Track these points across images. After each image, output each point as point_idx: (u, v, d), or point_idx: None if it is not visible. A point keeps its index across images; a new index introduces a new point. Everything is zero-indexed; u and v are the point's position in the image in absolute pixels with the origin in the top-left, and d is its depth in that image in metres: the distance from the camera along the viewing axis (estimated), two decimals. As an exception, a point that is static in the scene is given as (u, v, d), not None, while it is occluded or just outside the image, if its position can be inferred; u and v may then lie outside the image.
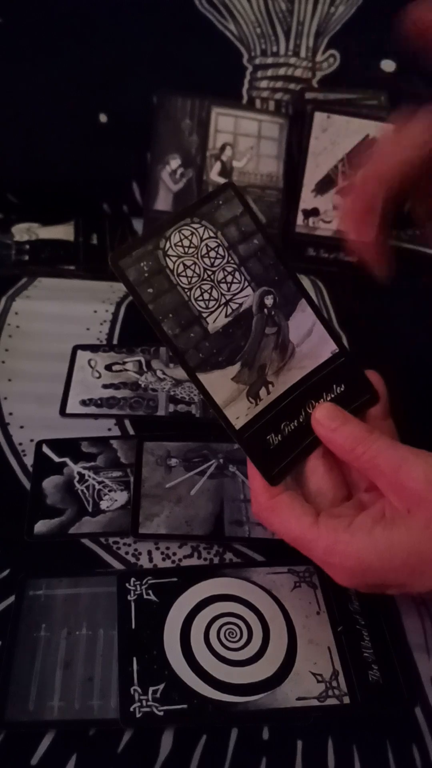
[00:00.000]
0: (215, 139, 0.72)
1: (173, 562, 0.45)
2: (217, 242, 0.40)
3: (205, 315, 0.39)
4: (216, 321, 0.39)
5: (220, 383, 0.39)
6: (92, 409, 0.55)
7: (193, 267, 0.39)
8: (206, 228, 0.39)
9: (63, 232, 0.77)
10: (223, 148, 0.72)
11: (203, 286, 0.39)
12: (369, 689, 0.39)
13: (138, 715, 0.37)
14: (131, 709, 0.37)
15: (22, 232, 0.75)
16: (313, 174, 0.70)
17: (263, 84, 0.73)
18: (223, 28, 0.71)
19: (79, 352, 0.61)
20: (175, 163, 0.73)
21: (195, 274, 0.39)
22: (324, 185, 0.70)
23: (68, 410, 0.55)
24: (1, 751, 0.36)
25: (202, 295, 0.39)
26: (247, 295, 0.40)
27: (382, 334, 0.65)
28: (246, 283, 0.40)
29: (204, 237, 0.39)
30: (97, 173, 0.77)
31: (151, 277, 0.38)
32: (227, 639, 0.41)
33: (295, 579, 0.44)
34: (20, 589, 0.43)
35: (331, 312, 0.69)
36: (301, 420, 0.41)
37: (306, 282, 0.73)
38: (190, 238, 0.39)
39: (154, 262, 0.38)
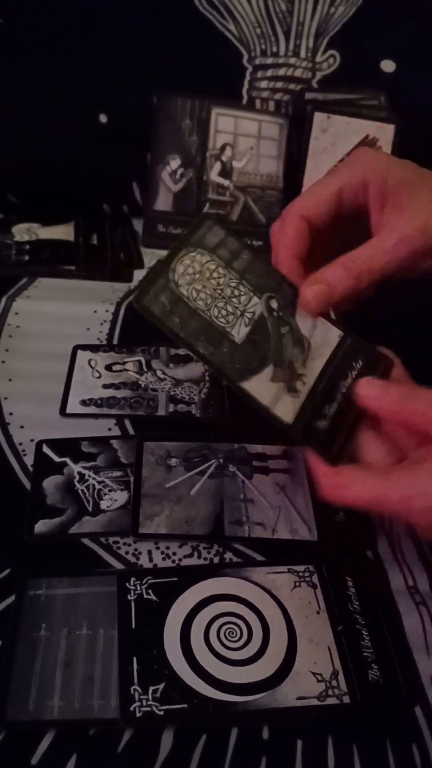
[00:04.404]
0: (215, 140, 0.72)
1: (173, 561, 0.45)
2: (215, 263, 0.43)
3: (228, 329, 0.42)
4: (240, 332, 0.43)
5: (262, 387, 0.42)
6: (92, 409, 0.55)
7: (204, 290, 0.42)
8: (201, 253, 0.43)
9: (63, 232, 0.77)
10: (223, 148, 0.72)
11: (218, 305, 0.42)
12: (369, 689, 0.39)
13: (138, 715, 0.37)
14: (131, 709, 0.37)
15: (23, 232, 0.75)
16: (312, 174, 0.70)
17: (263, 84, 0.73)
18: (223, 28, 0.71)
19: (80, 352, 0.61)
20: (175, 163, 0.73)
21: (208, 296, 0.42)
22: (324, 185, 0.70)
23: (68, 410, 0.55)
24: (1, 750, 0.36)
25: (220, 312, 0.42)
26: (255, 303, 0.43)
27: (382, 334, 0.65)
28: (251, 293, 0.43)
29: (203, 262, 0.43)
30: (97, 173, 0.77)
31: (173, 308, 0.41)
32: (227, 638, 0.41)
33: (294, 579, 0.44)
34: (20, 588, 0.43)
35: (330, 312, 0.69)
36: (339, 400, 0.44)
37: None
38: (192, 265, 0.42)
39: (170, 294, 0.41)
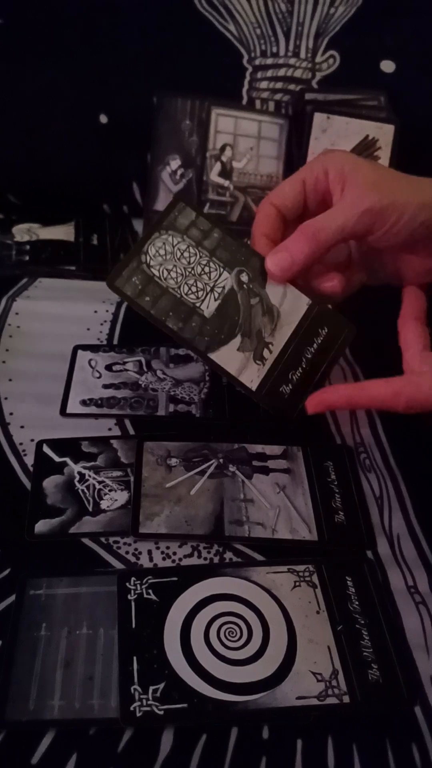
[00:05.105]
0: (215, 140, 0.72)
1: (173, 561, 0.45)
2: (186, 244, 0.47)
3: (198, 305, 0.47)
4: (209, 307, 0.47)
5: (229, 356, 0.47)
6: (92, 409, 0.55)
7: (174, 269, 0.47)
8: (173, 235, 0.47)
9: (63, 232, 0.77)
10: (223, 148, 0.72)
11: (188, 282, 0.47)
12: (369, 688, 0.39)
13: (138, 715, 0.37)
14: (131, 709, 0.37)
15: (23, 232, 0.76)
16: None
17: (263, 85, 0.73)
18: (223, 28, 0.71)
19: (80, 352, 0.61)
20: (175, 163, 0.73)
21: (178, 274, 0.47)
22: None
23: (68, 410, 0.55)
24: (2, 750, 0.36)
25: (190, 289, 0.46)
26: (225, 278, 0.48)
27: (382, 335, 0.65)
28: (221, 269, 0.48)
29: (174, 243, 0.47)
30: (97, 174, 0.77)
31: (144, 287, 0.46)
32: (227, 638, 0.41)
33: (294, 578, 0.44)
34: (21, 588, 0.43)
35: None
36: (304, 365, 0.49)
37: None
38: (163, 247, 0.47)
39: (142, 275, 0.46)
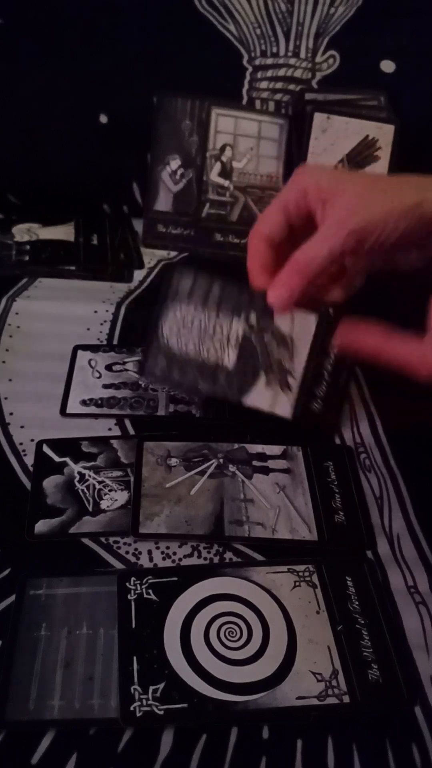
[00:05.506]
0: (215, 140, 0.72)
1: (173, 561, 0.45)
2: (192, 310, 0.49)
3: (220, 362, 0.49)
4: (230, 358, 0.49)
5: (260, 395, 0.49)
6: (92, 409, 0.55)
7: (188, 337, 0.49)
8: (179, 306, 0.49)
9: (63, 232, 0.77)
10: (223, 148, 0.72)
11: (205, 345, 0.49)
12: (369, 688, 0.39)
13: (138, 714, 0.37)
14: (131, 708, 0.37)
15: (23, 232, 0.76)
16: (313, 174, 0.70)
17: (263, 85, 0.73)
18: (223, 28, 0.71)
19: (80, 352, 0.61)
20: (175, 163, 0.73)
21: (193, 341, 0.49)
22: (324, 186, 0.70)
23: (68, 410, 0.55)
24: (2, 750, 0.36)
25: (208, 351, 0.49)
26: (236, 327, 0.49)
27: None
28: (230, 319, 0.49)
29: (182, 314, 0.49)
30: (97, 174, 0.77)
31: (170, 363, 0.49)
32: (227, 638, 0.41)
33: (294, 578, 0.44)
34: (21, 588, 0.43)
35: (330, 312, 0.69)
36: (327, 378, 0.53)
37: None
38: (174, 320, 0.49)
39: (165, 351, 0.49)
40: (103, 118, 0.74)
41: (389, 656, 0.40)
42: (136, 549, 0.46)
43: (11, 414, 0.55)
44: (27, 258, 0.72)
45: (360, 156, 0.69)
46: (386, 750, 0.37)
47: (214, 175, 0.73)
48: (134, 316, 0.66)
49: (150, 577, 0.43)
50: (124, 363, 0.60)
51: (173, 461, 0.51)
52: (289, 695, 0.38)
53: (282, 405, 0.50)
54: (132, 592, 0.43)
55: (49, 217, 0.78)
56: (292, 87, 0.73)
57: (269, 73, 0.73)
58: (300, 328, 0.50)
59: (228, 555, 0.46)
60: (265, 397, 0.50)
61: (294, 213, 0.47)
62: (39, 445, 0.52)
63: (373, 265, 0.53)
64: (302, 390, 0.50)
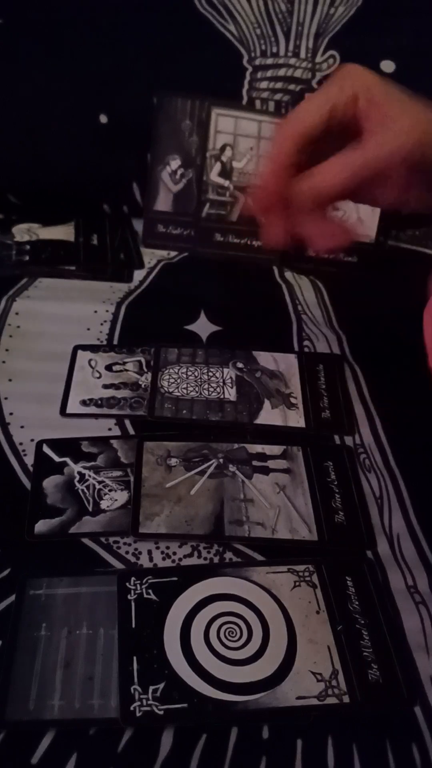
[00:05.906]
0: (215, 140, 0.72)
1: (173, 561, 0.45)
2: (184, 367, 0.58)
3: (222, 396, 0.56)
4: (231, 393, 0.56)
5: (270, 415, 0.55)
6: (92, 409, 0.55)
7: (188, 383, 0.57)
8: (172, 368, 0.58)
9: (63, 232, 0.77)
10: (223, 148, 0.72)
11: (204, 387, 0.57)
12: (369, 688, 0.39)
13: (138, 714, 0.37)
14: (131, 708, 0.37)
15: (23, 232, 0.76)
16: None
17: (263, 85, 0.73)
18: (223, 28, 0.71)
19: (80, 352, 0.61)
20: (175, 163, 0.73)
21: (194, 387, 0.56)
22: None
23: (68, 410, 0.55)
24: (1, 750, 0.36)
25: (209, 391, 0.56)
26: (227, 371, 0.58)
27: (382, 334, 0.65)
28: (220, 368, 0.59)
29: (176, 371, 0.58)
30: (97, 174, 0.77)
31: (176, 406, 0.55)
32: (227, 638, 0.41)
33: (294, 578, 0.44)
34: (21, 588, 0.43)
35: (330, 312, 0.69)
36: (326, 395, 0.58)
37: (306, 282, 0.73)
38: (171, 375, 0.57)
39: (168, 400, 0.56)
40: (103, 118, 0.74)
41: (389, 656, 0.40)
42: (136, 549, 0.46)
43: (11, 414, 0.55)
44: (27, 258, 0.72)
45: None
46: (386, 750, 0.37)
47: (214, 175, 0.73)
48: (135, 317, 0.66)
49: (150, 577, 0.43)
50: (124, 363, 0.60)
51: (173, 461, 0.51)
52: (289, 695, 0.38)
53: (294, 420, 0.55)
54: (132, 592, 0.43)
55: (49, 217, 0.78)
56: (292, 87, 0.73)
57: (269, 73, 0.73)
58: (284, 364, 0.59)
59: (228, 555, 0.46)
60: (276, 417, 0.55)
61: (338, 118, 0.44)
62: (39, 445, 0.52)
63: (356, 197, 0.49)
64: (306, 405, 0.56)
